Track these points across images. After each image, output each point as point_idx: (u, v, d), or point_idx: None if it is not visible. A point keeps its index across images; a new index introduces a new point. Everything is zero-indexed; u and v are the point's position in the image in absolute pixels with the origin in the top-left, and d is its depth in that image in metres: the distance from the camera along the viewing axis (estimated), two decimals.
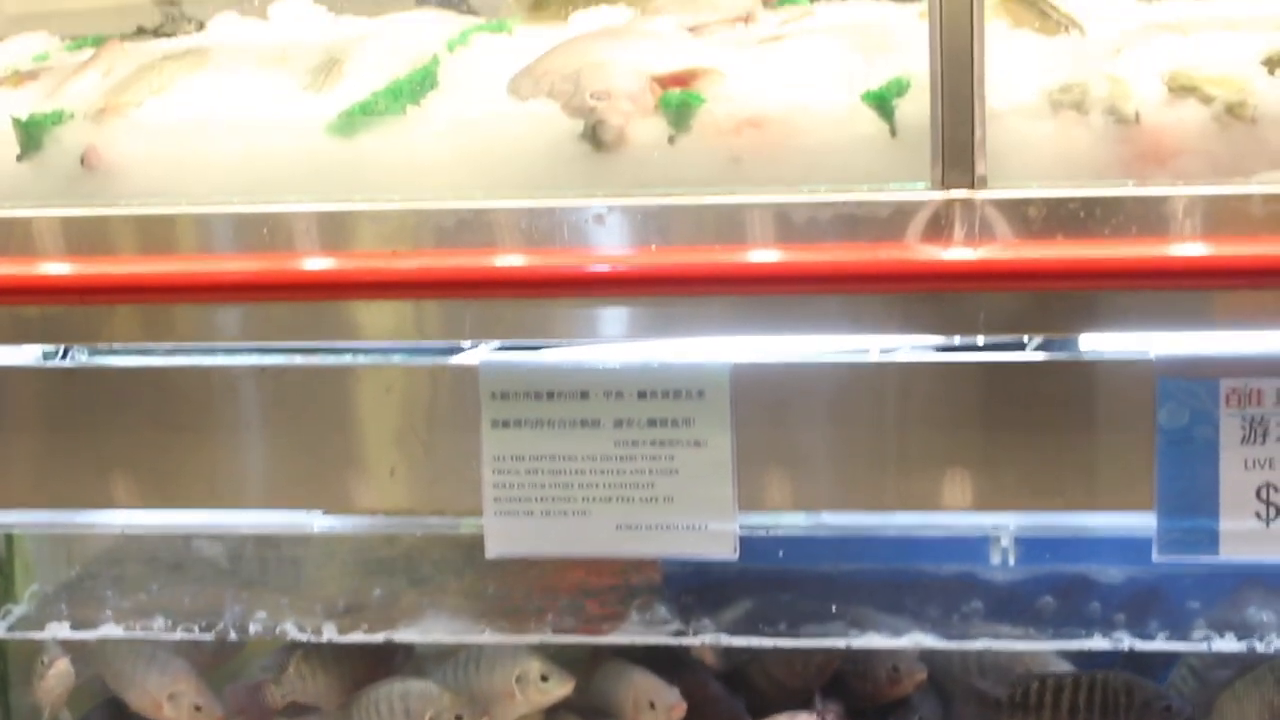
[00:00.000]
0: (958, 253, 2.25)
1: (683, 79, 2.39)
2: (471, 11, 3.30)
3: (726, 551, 2.50)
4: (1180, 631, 2.94)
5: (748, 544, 2.49)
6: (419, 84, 2.53)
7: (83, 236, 2.42)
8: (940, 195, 2.25)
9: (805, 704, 3.09)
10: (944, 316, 2.31)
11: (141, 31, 3.29)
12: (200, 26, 3.21)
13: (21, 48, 3.06)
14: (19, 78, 2.69)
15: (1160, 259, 2.23)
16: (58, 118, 2.47)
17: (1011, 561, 2.96)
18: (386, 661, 3.20)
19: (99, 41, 3.09)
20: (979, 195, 2.25)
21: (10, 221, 2.43)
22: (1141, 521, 2.40)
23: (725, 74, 2.38)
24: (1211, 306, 2.28)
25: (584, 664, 3.13)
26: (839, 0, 2.91)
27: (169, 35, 3.22)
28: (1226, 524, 2.39)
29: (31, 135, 2.44)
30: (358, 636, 3.07)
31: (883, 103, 2.29)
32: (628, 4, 2.94)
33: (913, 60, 2.39)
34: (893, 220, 2.27)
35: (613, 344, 2.48)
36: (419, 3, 3.09)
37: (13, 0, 3.29)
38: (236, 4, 3.11)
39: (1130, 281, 2.26)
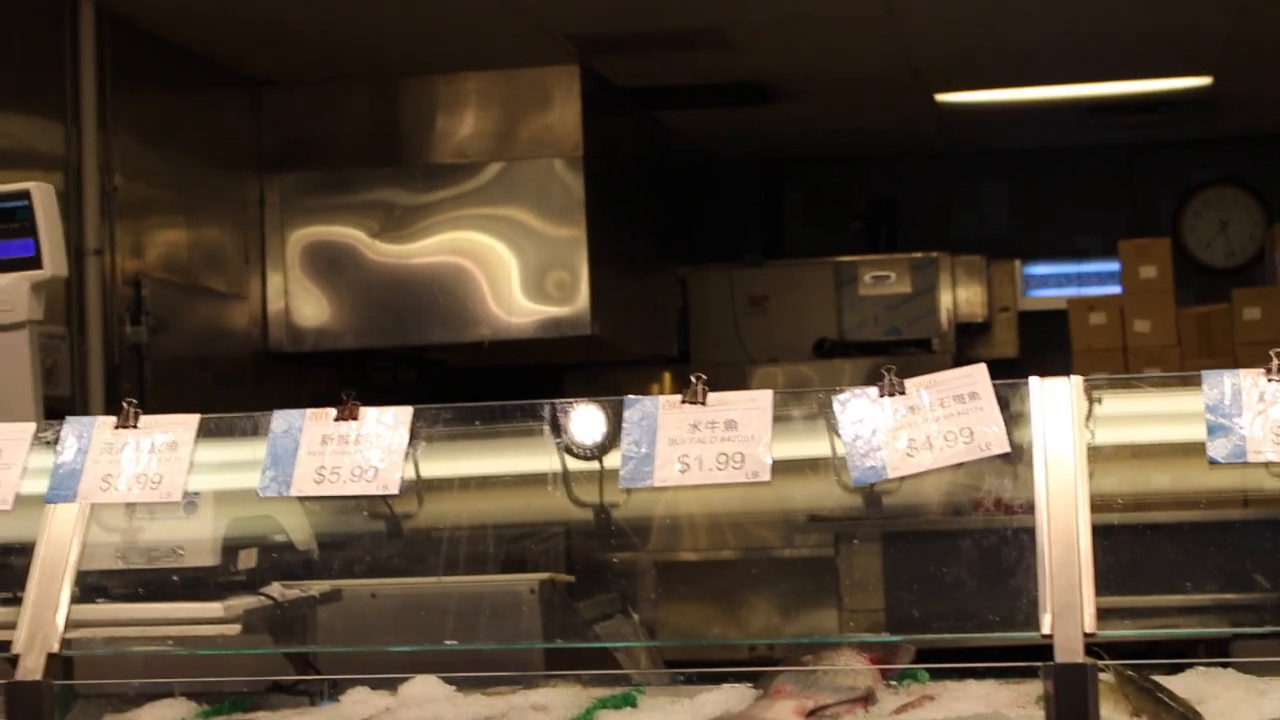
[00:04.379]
0: None
1: None
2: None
3: None
4: None
5: None
6: None
7: None
8: None
9: None
10: None
11: (277, 688, 3.38)
12: (334, 687, 3.29)
13: (157, 716, 3.14)
14: None
15: None
16: None
17: None
18: None
19: (235, 706, 3.18)
20: None
21: None
22: None
23: None
24: None
25: None
26: (955, 678, 2.96)
27: (303, 695, 3.31)
28: None
29: None
30: None
31: None
32: (750, 683, 3.01)
33: None
34: None
35: None
36: (546, 678, 3.16)
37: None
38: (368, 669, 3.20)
39: None
